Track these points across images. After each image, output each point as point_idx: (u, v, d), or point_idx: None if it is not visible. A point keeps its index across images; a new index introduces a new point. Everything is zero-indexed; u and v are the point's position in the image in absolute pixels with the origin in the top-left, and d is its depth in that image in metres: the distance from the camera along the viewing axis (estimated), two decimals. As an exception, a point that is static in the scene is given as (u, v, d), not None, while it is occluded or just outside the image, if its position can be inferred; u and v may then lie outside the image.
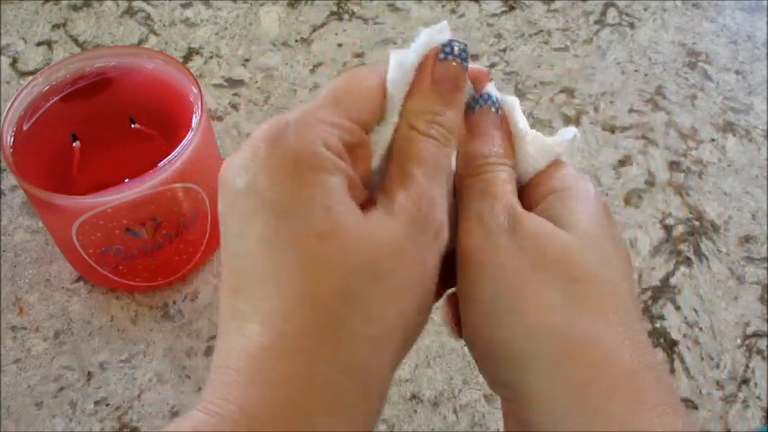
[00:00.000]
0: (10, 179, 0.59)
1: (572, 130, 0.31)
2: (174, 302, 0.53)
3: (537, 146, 0.31)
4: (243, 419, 0.22)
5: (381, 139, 0.28)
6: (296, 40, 0.68)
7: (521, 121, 0.31)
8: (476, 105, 0.30)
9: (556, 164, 0.31)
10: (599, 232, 0.28)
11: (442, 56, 0.28)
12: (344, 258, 0.23)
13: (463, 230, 0.28)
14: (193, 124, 0.48)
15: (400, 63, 0.28)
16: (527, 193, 0.30)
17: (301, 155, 0.24)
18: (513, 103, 0.31)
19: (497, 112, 0.30)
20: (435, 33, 0.29)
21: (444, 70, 0.28)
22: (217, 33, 0.69)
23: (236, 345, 0.23)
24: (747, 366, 0.50)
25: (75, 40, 0.69)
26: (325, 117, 0.25)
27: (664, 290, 0.54)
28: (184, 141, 0.46)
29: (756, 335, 0.52)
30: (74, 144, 0.49)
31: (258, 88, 0.65)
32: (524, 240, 0.27)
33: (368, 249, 0.24)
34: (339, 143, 0.25)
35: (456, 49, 0.28)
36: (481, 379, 0.49)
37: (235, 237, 0.24)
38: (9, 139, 0.48)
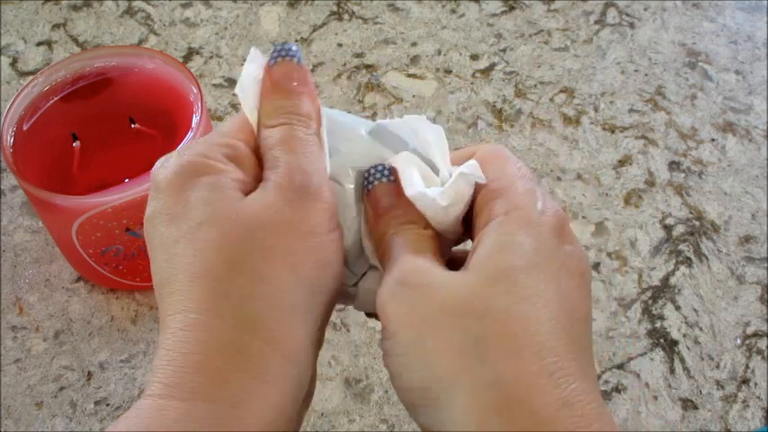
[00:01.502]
0: (10, 179, 0.59)
1: (470, 164, 0.31)
2: (174, 302, 0.53)
3: (441, 197, 0.30)
4: (165, 391, 0.24)
5: None
6: (296, 40, 0.68)
7: (414, 184, 0.31)
8: (372, 181, 0.31)
9: (486, 192, 0.29)
10: (515, 263, 0.26)
11: (272, 61, 0.31)
12: (223, 235, 0.26)
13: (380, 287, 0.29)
14: (193, 124, 0.48)
15: (241, 84, 0.31)
16: (476, 225, 0.30)
17: (181, 167, 0.28)
18: (405, 162, 0.32)
19: (390, 180, 0.31)
20: (257, 57, 0.31)
21: (278, 70, 0.30)
22: (217, 33, 0.69)
23: (162, 336, 0.26)
24: (747, 366, 0.51)
25: (76, 40, 0.69)
26: (205, 140, 0.29)
27: (664, 290, 0.54)
28: (184, 141, 0.46)
29: (756, 335, 0.52)
30: (74, 144, 0.49)
31: (258, 88, 0.65)
32: (415, 291, 0.27)
33: (246, 222, 0.27)
34: (219, 154, 0.28)
35: (282, 50, 0.31)
36: (481, 379, 0.49)
37: (151, 256, 0.28)
38: (9, 139, 0.48)
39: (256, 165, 0.30)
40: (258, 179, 0.29)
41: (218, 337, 0.25)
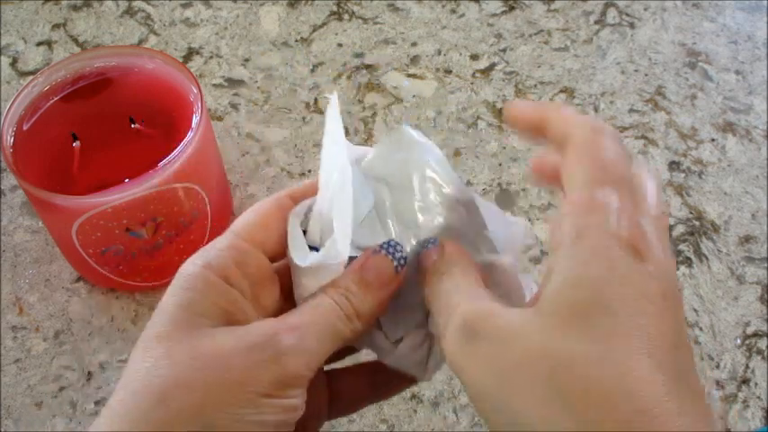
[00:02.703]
0: (10, 179, 0.59)
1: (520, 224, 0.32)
2: (174, 302, 0.53)
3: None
4: None
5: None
6: (296, 40, 0.68)
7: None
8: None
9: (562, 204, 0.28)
10: (588, 300, 0.24)
11: (381, 251, 0.31)
12: (166, 353, 0.27)
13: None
14: (193, 124, 0.48)
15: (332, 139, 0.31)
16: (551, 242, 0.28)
17: (180, 279, 0.29)
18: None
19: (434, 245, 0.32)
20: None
21: (377, 266, 0.31)
22: (217, 33, 0.69)
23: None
24: (747, 366, 0.51)
25: (76, 40, 0.69)
26: (217, 243, 0.30)
27: (664, 290, 0.54)
28: (184, 141, 0.46)
29: (756, 335, 0.52)
30: (74, 144, 0.49)
31: (258, 88, 0.65)
32: (487, 344, 0.26)
33: (186, 351, 0.27)
34: (224, 260, 0.29)
35: (394, 250, 0.31)
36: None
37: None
38: (9, 139, 0.48)
39: (264, 266, 0.30)
40: (259, 280, 0.30)
41: None
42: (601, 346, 0.23)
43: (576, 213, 0.26)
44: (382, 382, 0.35)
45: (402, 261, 0.31)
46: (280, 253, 0.32)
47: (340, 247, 0.30)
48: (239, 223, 0.31)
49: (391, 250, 0.31)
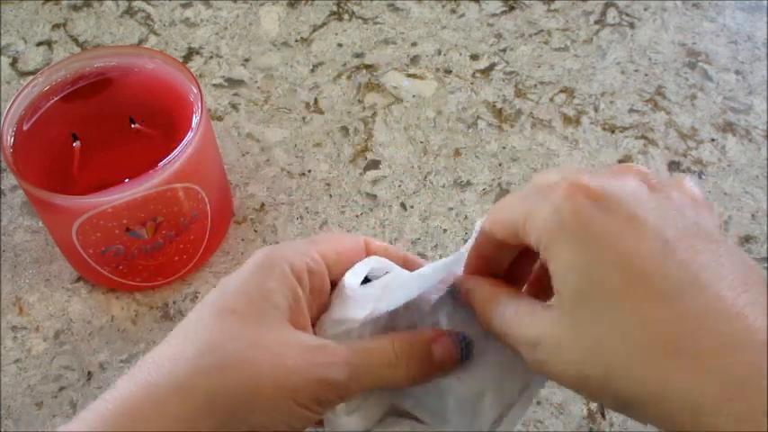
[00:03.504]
0: (10, 179, 0.59)
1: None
2: (174, 302, 0.53)
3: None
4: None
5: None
6: (296, 40, 0.68)
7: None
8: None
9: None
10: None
11: (457, 338, 0.33)
12: (238, 331, 0.30)
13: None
14: (193, 124, 0.48)
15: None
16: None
17: (262, 264, 0.32)
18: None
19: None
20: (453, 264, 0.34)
21: (448, 342, 0.33)
22: (217, 33, 0.69)
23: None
24: (747, 366, 0.50)
25: (76, 40, 0.69)
26: (301, 247, 0.34)
27: (664, 290, 0.54)
28: (184, 141, 0.46)
29: (756, 335, 0.52)
30: (74, 144, 0.49)
31: (258, 88, 0.65)
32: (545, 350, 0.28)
33: (261, 336, 0.30)
34: (303, 264, 0.33)
35: (465, 344, 0.33)
36: (481, 379, 0.49)
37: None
38: (9, 139, 0.48)
39: (324, 281, 0.34)
40: (318, 293, 0.34)
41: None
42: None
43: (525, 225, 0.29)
44: None
45: (465, 355, 0.33)
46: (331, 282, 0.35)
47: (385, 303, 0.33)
48: (322, 240, 0.35)
49: (463, 343, 0.33)
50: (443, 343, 0.33)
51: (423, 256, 0.55)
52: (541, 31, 0.69)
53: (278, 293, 0.31)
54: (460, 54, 0.67)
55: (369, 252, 0.36)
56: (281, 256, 0.32)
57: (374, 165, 0.60)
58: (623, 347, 0.25)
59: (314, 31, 0.69)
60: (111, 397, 0.29)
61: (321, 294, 0.34)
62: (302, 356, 0.30)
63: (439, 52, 0.67)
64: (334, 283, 0.35)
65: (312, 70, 0.66)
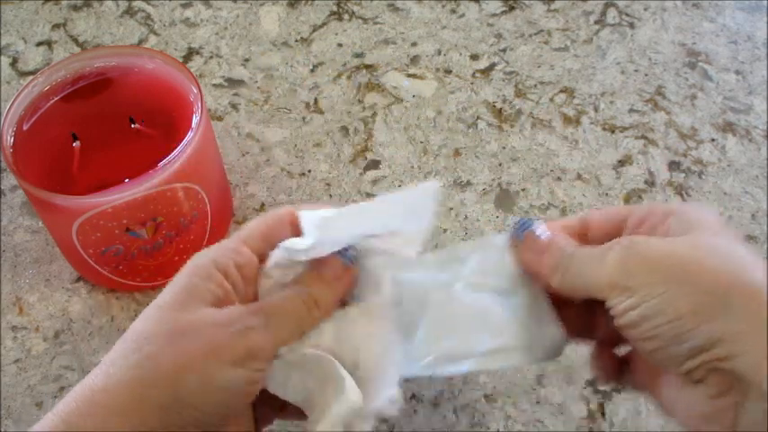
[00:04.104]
0: (10, 179, 0.59)
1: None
2: (174, 302, 0.53)
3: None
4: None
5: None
6: (296, 40, 0.68)
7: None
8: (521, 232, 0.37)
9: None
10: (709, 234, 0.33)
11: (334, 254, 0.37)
12: (156, 321, 0.33)
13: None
14: (193, 124, 0.48)
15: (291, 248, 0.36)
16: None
17: (189, 266, 0.35)
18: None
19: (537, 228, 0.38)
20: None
21: (329, 260, 0.37)
22: (217, 33, 0.69)
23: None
24: (747, 366, 0.50)
25: (76, 40, 0.69)
26: (226, 243, 0.36)
27: (664, 290, 0.54)
28: (184, 141, 0.46)
29: (756, 335, 0.52)
30: (74, 144, 0.49)
31: (258, 88, 0.65)
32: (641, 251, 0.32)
33: (173, 319, 0.33)
34: (227, 260, 0.35)
35: (348, 253, 0.37)
36: (481, 379, 0.49)
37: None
38: (9, 139, 0.48)
39: (253, 270, 0.36)
40: (249, 280, 0.36)
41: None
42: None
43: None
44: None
45: (351, 259, 0.37)
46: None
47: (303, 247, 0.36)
48: (247, 228, 0.37)
49: (342, 251, 0.37)
50: (330, 261, 0.37)
51: (423, 256, 0.55)
52: (541, 31, 0.69)
53: (201, 287, 0.34)
54: (460, 54, 0.67)
55: (292, 217, 0.38)
56: (206, 257, 0.35)
57: (374, 165, 0.60)
58: None
59: (314, 31, 0.69)
60: (62, 401, 0.32)
61: (255, 276, 0.37)
62: (220, 321, 0.33)
63: (439, 52, 0.67)
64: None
65: (312, 70, 0.66)
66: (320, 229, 0.36)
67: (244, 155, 0.61)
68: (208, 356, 0.32)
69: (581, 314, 0.38)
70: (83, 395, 0.31)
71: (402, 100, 0.64)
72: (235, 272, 0.35)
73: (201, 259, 0.35)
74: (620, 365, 0.38)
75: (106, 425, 0.30)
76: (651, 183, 0.59)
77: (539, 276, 0.36)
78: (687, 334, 0.30)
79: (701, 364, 0.30)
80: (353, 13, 0.70)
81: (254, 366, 0.33)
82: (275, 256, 0.37)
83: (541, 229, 0.37)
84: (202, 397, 0.31)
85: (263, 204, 0.58)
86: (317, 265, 0.37)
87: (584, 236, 0.37)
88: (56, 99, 0.50)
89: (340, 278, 0.37)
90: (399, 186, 0.59)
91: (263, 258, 0.37)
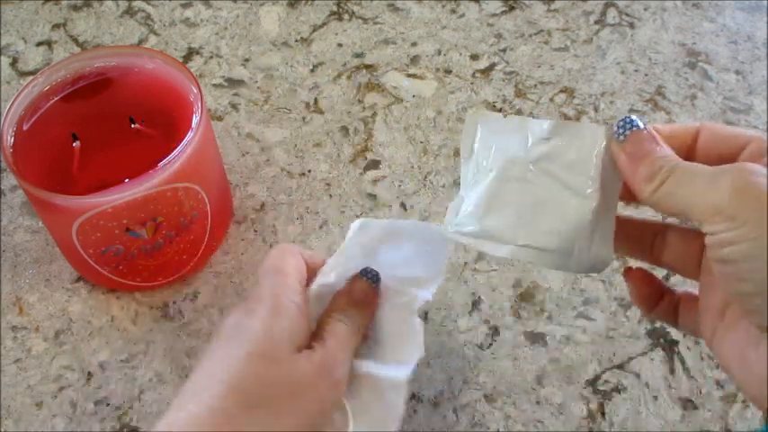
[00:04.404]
0: (10, 179, 0.59)
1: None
2: (174, 302, 0.53)
3: None
4: None
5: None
6: (296, 40, 0.68)
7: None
8: (624, 131, 0.34)
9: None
10: None
11: (363, 277, 0.42)
12: (269, 373, 0.36)
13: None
14: (193, 124, 0.48)
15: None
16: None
17: (279, 305, 0.39)
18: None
19: (644, 127, 0.34)
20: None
21: (358, 285, 0.42)
22: (217, 33, 0.69)
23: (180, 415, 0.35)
24: (747, 366, 0.50)
25: (76, 40, 0.69)
26: (297, 282, 0.41)
27: (664, 290, 0.54)
28: (184, 141, 0.46)
29: (756, 335, 0.52)
30: (74, 144, 0.49)
31: (258, 88, 0.65)
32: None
33: (286, 374, 0.36)
34: (304, 300, 0.40)
35: (371, 274, 0.42)
36: (481, 379, 0.49)
37: None
38: (9, 139, 0.48)
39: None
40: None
41: None
42: None
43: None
44: None
45: (377, 282, 0.42)
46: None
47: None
48: (302, 269, 0.42)
49: (368, 275, 0.42)
50: (356, 281, 0.42)
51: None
52: (541, 31, 0.69)
53: (293, 331, 0.38)
54: (460, 54, 0.67)
55: (310, 265, 0.43)
56: (294, 300, 0.39)
57: (374, 165, 0.60)
58: None
59: (314, 31, 0.69)
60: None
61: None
62: (318, 373, 0.37)
63: (439, 52, 0.67)
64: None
65: (312, 70, 0.66)
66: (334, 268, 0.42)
67: (244, 155, 0.61)
68: (313, 409, 0.37)
69: (646, 235, 0.36)
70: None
71: (402, 100, 0.64)
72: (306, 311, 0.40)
73: (287, 299, 0.39)
74: (669, 302, 0.36)
75: None
76: (651, 183, 0.59)
77: (631, 183, 0.33)
78: None
79: None
80: (353, 13, 0.70)
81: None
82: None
83: (648, 131, 0.33)
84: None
85: (263, 204, 0.58)
86: (347, 290, 0.42)
87: (692, 150, 0.34)
88: (56, 99, 0.50)
89: (372, 302, 0.42)
90: (399, 186, 0.59)
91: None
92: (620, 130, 0.33)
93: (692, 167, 0.31)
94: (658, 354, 0.51)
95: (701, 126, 0.34)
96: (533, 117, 0.62)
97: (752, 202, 0.28)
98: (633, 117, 0.33)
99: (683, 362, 0.50)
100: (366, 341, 0.42)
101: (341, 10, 0.71)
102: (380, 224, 0.43)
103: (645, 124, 0.33)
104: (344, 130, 0.62)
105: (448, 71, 0.66)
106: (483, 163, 0.37)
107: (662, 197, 0.31)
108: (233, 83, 0.65)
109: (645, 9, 0.71)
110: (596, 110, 0.64)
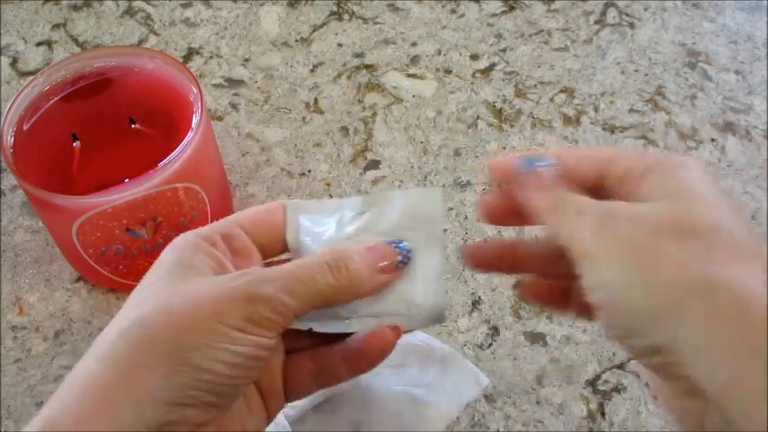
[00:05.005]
0: (10, 179, 0.59)
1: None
2: (174, 302, 0.53)
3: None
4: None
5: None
6: (296, 40, 0.68)
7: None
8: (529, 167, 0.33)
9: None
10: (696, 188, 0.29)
11: (394, 245, 0.33)
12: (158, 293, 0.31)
13: (575, 236, 0.30)
14: (193, 124, 0.48)
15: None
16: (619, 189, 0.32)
17: (172, 244, 0.32)
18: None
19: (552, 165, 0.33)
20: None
21: (386, 250, 0.33)
22: (217, 33, 0.69)
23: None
24: (747, 366, 0.50)
25: (76, 40, 0.69)
26: (211, 224, 0.34)
27: (664, 290, 0.54)
28: (184, 141, 0.46)
29: (756, 335, 0.52)
30: (74, 144, 0.49)
31: (258, 88, 0.65)
32: (622, 221, 0.29)
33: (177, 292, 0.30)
34: (212, 231, 0.33)
35: (404, 251, 0.33)
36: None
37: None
38: (9, 139, 0.48)
39: (244, 245, 0.33)
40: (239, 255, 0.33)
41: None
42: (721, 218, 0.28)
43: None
44: (323, 370, 0.35)
45: (405, 260, 0.33)
46: (269, 248, 0.35)
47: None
48: (235, 214, 0.34)
49: (402, 250, 0.33)
50: (378, 247, 0.33)
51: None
52: (541, 31, 0.69)
53: (194, 258, 0.31)
54: (460, 54, 0.67)
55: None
56: (189, 233, 0.33)
57: (374, 165, 0.60)
58: None
59: (314, 31, 0.69)
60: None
61: (246, 253, 0.33)
62: (223, 284, 0.30)
63: (439, 52, 0.67)
64: (261, 249, 0.35)
65: (312, 70, 0.66)
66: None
67: (244, 155, 0.61)
68: (207, 320, 0.29)
69: (555, 291, 0.36)
70: (79, 384, 0.31)
71: (402, 100, 0.64)
72: (223, 244, 0.32)
73: (182, 237, 0.33)
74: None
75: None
76: (651, 183, 0.59)
77: (537, 214, 0.32)
78: (642, 332, 0.27)
79: (660, 365, 0.28)
80: (353, 13, 0.70)
81: (261, 333, 0.30)
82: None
83: (549, 164, 0.32)
84: (203, 357, 0.29)
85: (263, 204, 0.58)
86: (368, 246, 0.33)
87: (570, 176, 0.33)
88: (56, 99, 0.50)
89: (385, 273, 0.33)
90: (399, 186, 0.59)
91: (252, 238, 0.34)
92: (526, 165, 0.33)
93: (574, 199, 0.31)
94: (658, 354, 0.51)
95: (563, 152, 0.33)
96: (533, 117, 0.62)
97: (606, 245, 0.28)
98: (534, 156, 0.33)
99: (682, 362, 0.50)
100: None
101: (341, 10, 0.71)
102: None
103: (548, 158, 0.33)
104: (344, 130, 0.62)
105: (448, 71, 0.66)
106: (311, 251, 0.36)
107: (554, 230, 0.31)
108: (233, 83, 0.65)
109: (645, 9, 0.71)
110: (596, 110, 0.64)
